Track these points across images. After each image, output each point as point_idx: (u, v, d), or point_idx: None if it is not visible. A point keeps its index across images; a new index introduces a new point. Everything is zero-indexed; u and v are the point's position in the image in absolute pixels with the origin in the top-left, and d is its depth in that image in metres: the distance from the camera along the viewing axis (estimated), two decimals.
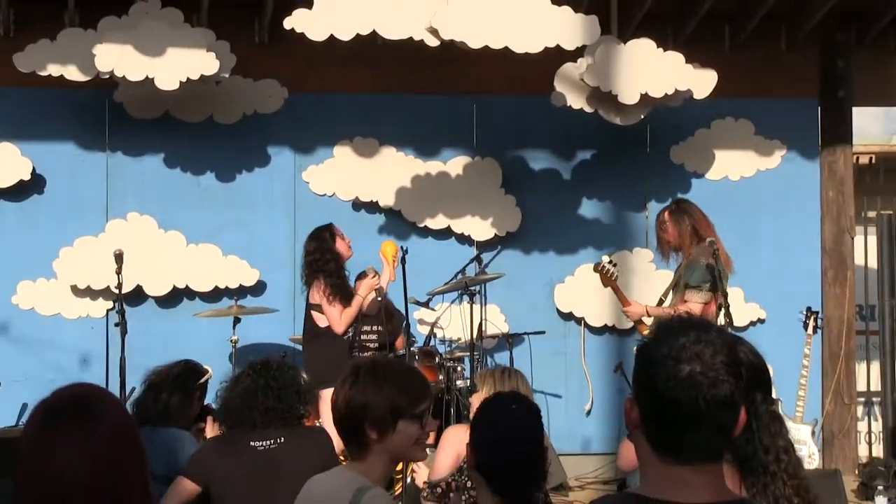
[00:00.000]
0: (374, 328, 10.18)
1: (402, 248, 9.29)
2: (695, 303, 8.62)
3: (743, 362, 2.65)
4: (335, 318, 9.10)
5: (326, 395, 7.02)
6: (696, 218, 8.90)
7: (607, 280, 9.12)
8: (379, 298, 9.22)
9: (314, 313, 9.20)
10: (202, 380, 6.86)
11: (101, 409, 2.70)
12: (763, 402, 3.64)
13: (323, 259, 9.18)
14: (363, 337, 10.15)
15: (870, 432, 12.53)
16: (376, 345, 10.15)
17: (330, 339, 9.10)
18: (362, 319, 10.19)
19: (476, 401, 6.15)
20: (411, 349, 9.38)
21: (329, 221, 9.67)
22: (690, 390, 2.54)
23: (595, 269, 9.18)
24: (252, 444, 5.58)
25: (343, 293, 9.14)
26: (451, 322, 10.47)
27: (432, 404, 4.14)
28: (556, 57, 9.62)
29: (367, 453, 3.93)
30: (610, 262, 9.18)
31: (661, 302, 8.98)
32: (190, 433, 6.60)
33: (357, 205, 10.88)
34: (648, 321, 8.99)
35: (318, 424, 8.47)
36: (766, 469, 3.54)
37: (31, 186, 10.45)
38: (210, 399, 6.73)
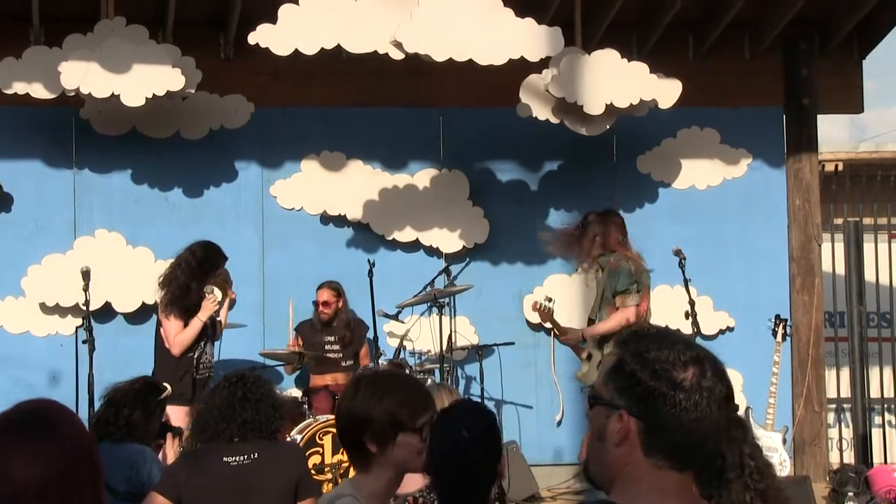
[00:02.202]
0: (337, 339, 10.21)
1: (369, 261, 9.31)
2: (628, 307, 8.73)
3: None
4: (171, 337, 8.90)
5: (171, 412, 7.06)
6: (608, 230, 8.97)
7: (545, 316, 9.26)
8: (220, 319, 9.11)
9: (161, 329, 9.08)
10: (162, 396, 6.87)
11: (57, 425, 2.70)
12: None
13: (196, 270, 8.94)
14: (326, 348, 10.19)
15: (840, 439, 12.59)
16: (340, 355, 10.18)
17: (172, 357, 8.95)
18: (324, 330, 10.22)
19: None
20: (380, 362, 9.40)
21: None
22: (700, 392, 2.57)
23: (533, 309, 9.33)
24: (225, 459, 5.57)
25: (184, 306, 8.90)
26: (421, 334, 10.49)
27: (434, 416, 4.14)
28: (521, 68, 9.67)
29: (370, 465, 3.95)
30: (546, 298, 9.32)
31: (591, 321, 9.03)
32: (151, 449, 6.60)
33: (325, 218, 10.89)
34: (583, 345, 9.09)
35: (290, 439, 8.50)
36: (721, 476, 3.53)
37: None
38: None
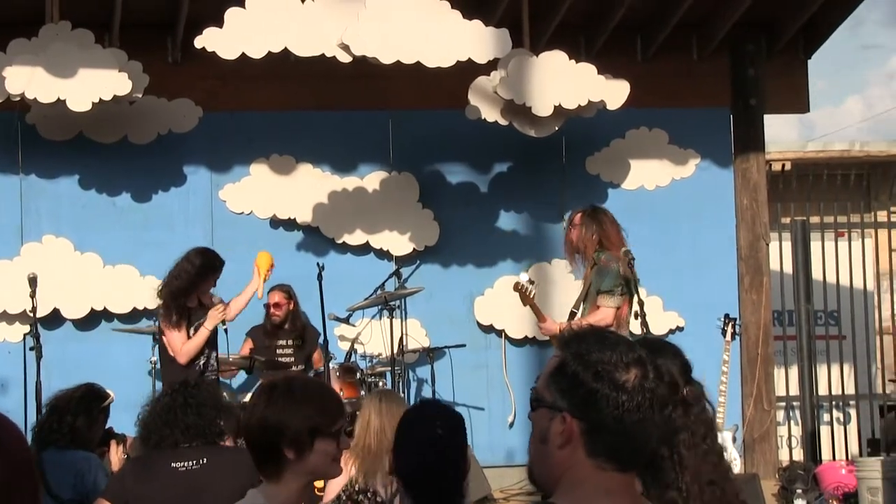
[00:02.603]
0: (289, 342, 10.19)
1: (319, 264, 9.28)
2: (607, 307, 8.70)
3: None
4: (177, 347, 8.88)
5: None
6: (605, 228, 8.94)
7: (526, 298, 9.13)
8: (225, 328, 9.08)
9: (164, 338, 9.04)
10: (105, 403, 6.85)
11: (1, 436, 2.68)
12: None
13: (194, 278, 8.90)
14: (279, 352, 10.16)
15: (789, 436, 12.67)
16: (292, 359, 10.15)
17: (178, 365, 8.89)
18: (276, 334, 10.18)
19: (358, 428, 6.15)
20: (331, 365, 9.39)
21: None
22: (641, 394, 2.57)
23: (515, 289, 9.16)
24: (173, 465, 5.54)
25: (179, 313, 8.86)
26: (372, 337, 10.50)
27: (347, 422, 4.15)
28: (469, 70, 9.69)
29: (282, 473, 3.91)
30: (529, 280, 9.21)
31: (573, 314, 9.02)
32: (96, 456, 6.58)
33: (275, 222, 10.87)
34: None
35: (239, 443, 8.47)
36: (661, 476, 3.54)
37: None
38: (130, 422, 6.73)
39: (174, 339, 8.88)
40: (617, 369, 2.59)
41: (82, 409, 6.70)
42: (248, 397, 9.91)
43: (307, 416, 3.90)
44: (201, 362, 8.97)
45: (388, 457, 5.75)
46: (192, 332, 8.87)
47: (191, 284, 8.90)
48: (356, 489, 5.83)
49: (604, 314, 8.66)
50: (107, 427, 7.00)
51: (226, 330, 9.15)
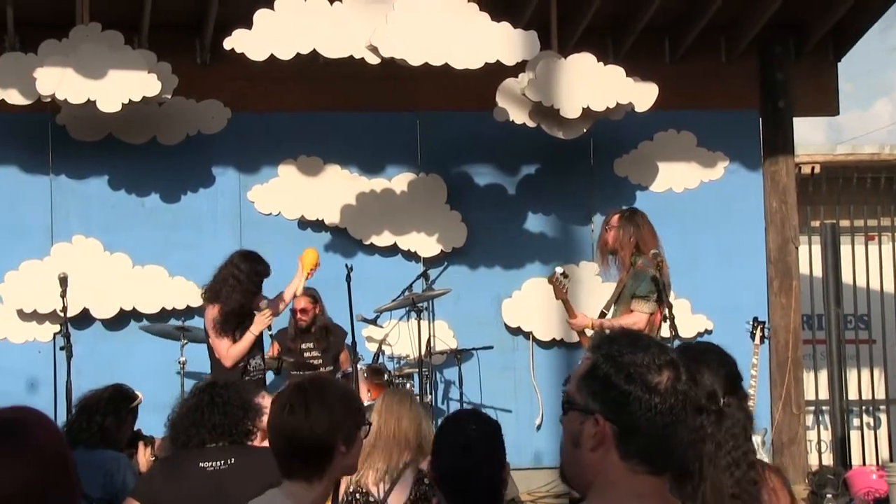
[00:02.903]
0: (314, 345, 10.20)
1: (347, 265, 9.29)
2: (641, 312, 8.67)
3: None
4: (223, 352, 8.97)
5: None
6: (642, 231, 8.92)
7: (559, 291, 9.07)
8: (270, 333, 9.12)
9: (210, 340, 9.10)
10: (133, 404, 6.88)
11: (31, 432, 2.69)
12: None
13: (245, 283, 8.94)
14: (306, 354, 10.17)
15: (819, 441, 12.61)
16: (320, 361, 10.16)
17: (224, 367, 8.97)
18: (301, 336, 10.20)
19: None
20: (359, 366, 9.39)
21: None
22: (674, 396, 2.57)
23: (549, 281, 9.11)
24: (201, 465, 5.56)
25: (237, 325, 8.95)
26: (400, 339, 10.49)
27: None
28: (497, 72, 9.68)
29: (322, 474, 3.94)
30: (563, 273, 9.15)
31: (603, 314, 9.00)
32: (125, 456, 6.61)
33: (303, 223, 10.88)
34: (590, 333, 8.99)
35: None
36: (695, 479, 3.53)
37: None
38: (158, 423, 6.75)
39: (220, 344, 8.96)
40: (649, 371, 2.59)
41: (111, 409, 6.73)
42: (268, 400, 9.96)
43: (355, 411, 4.02)
44: (241, 364, 9.02)
45: (380, 455, 5.84)
46: (237, 335, 8.94)
47: (242, 294, 8.94)
48: (349, 490, 5.87)
49: (637, 318, 8.64)
50: (135, 429, 7.03)
51: (271, 335, 9.21)
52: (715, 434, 3.52)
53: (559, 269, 9.16)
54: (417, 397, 9.50)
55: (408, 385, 9.88)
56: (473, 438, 4.52)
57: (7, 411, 2.75)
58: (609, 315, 8.91)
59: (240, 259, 9.03)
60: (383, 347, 10.39)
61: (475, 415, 4.93)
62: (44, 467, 2.64)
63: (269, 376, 10.36)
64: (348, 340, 10.00)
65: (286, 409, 3.96)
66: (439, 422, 10.44)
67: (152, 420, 7.52)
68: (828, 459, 12.17)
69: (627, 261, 8.86)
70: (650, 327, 8.60)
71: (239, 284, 8.92)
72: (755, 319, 10.37)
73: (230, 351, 8.95)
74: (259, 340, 9.13)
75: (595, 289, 10.75)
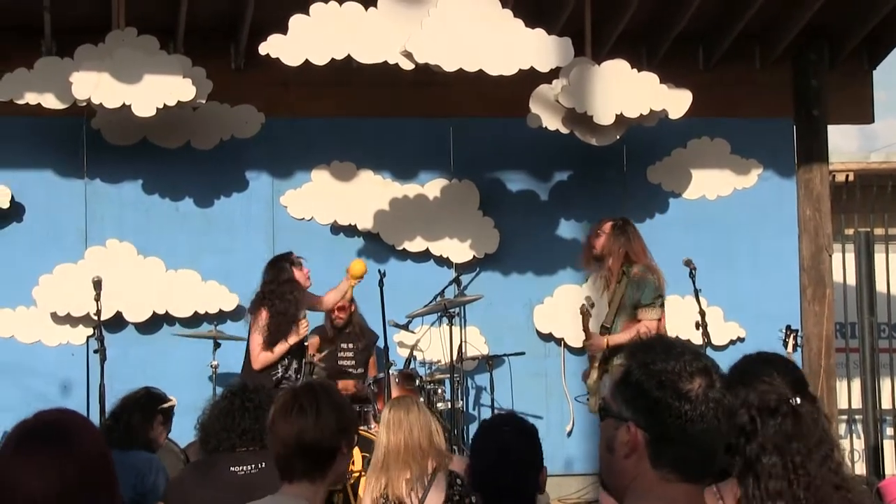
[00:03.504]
0: (350, 346, 10.23)
1: (380, 271, 9.32)
2: (650, 320, 8.78)
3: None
4: (255, 353, 9.12)
5: None
6: (633, 243, 9.06)
7: (585, 320, 9.16)
8: (306, 344, 9.24)
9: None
10: (165, 405, 6.89)
11: (74, 435, 2.72)
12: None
13: (278, 291, 9.18)
14: (340, 355, 10.21)
15: (852, 450, 12.56)
16: (353, 362, 10.20)
17: (263, 375, 9.09)
18: (338, 335, 10.24)
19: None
20: (390, 371, 9.41)
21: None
22: (706, 404, 2.58)
23: (580, 311, 9.17)
24: (232, 469, 5.59)
25: (279, 333, 9.13)
26: (431, 344, 10.50)
27: None
28: (530, 79, 9.68)
29: (324, 476, 3.96)
30: (591, 304, 9.20)
31: (605, 328, 9.05)
32: (158, 458, 6.62)
33: (335, 228, 10.90)
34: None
35: None
36: (768, 482, 3.50)
37: (9, 214, 10.46)
38: (190, 426, 6.79)
39: (255, 342, 9.14)
40: (681, 379, 2.59)
41: (138, 408, 6.76)
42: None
43: (355, 416, 4.18)
44: (279, 373, 9.09)
45: (404, 466, 5.87)
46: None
47: (292, 293, 9.18)
48: (382, 500, 5.89)
49: (648, 327, 8.73)
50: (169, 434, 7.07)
51: (307, 346, 9.26)
52: (800, 431, 3.49)
53: (587, 300, 9.19)
54: (423, 401, 9.56)
55: (439, 391, 9.87)
56: (510, 441, 4.56)
57: (49, 414, 2.79)
58: (612, 329, 8.96)
59: (265, 271, 9.30)
60: (415, 353, 10.40)
61: (512, 418, 4.95)
62: (86, 468, 2.67)
63: None
64: (380, 343, 10.03)
65: (295, 410, 3.97)
66: (471, 427, 10.52)
67: (184, 423, 7.55)
68: (861, 469, 12.11)
69: (617, 271, 8.97)
70: (658, 332, 8.65)
71: (272, 294, 9.11)
72: (788, 327, 10.34)
73: (262, 355, 9.04)
74: (297, 350, 9.22)
75: None
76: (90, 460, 2.70)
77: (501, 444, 4.59)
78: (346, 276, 9.54)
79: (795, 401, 3.52)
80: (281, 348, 9.13)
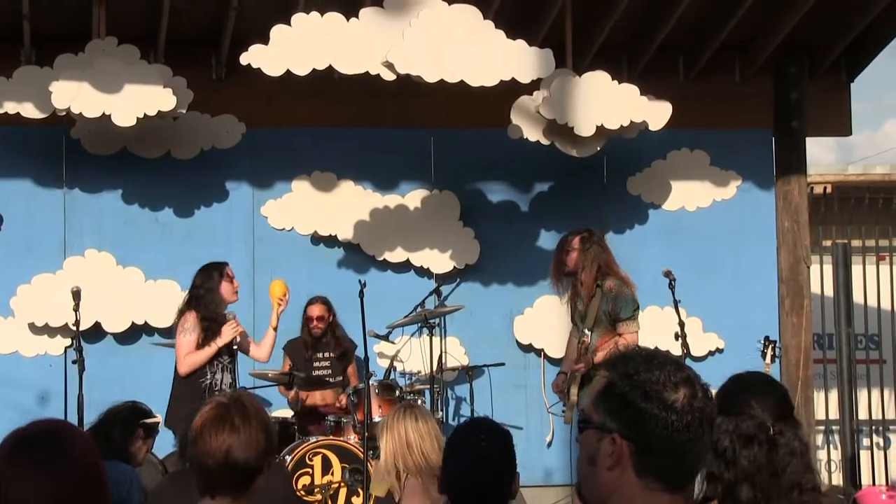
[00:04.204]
0: (327, 355, 10.21)
1: (360, 281, 9.30)
2: (631, 332, 8.92)
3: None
4: (180, 354, 9.07)
5: None
6: (605, 253, 9.20)
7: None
8: (235, 347, 9.19)
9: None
10: (147, 420, 6.87)
11: (67, 443, 2.74)
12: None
13: (206, 297, 9.15)
14: (316, 365, 10.19)
15: (829, 460, 12.59)
16: (330, 371, 10.18)
17: (192, 384, 9.07)
18: (316, 345, 10.22)
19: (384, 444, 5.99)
20: (371, 382, 9.39)
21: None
22: (690, 414, 2.58)
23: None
24: None
25: (208, 336, 9.10)
26: (411, 355, 10.48)
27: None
28: (512, 90, 9.70)
29: (246, 494, 3.95)
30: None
31: (582, 343, 9.11)
32: (135, 471, 6.60)
33: (316, 239, 10.89)
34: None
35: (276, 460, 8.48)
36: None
37: None
38: (169, 437, 6.80)
39: (182, 343, 9.08)
40: (665, 389, 2.59)
41: (120, 420, 6.74)
42: (280, 413, 9.97)
43: (275, 435, 4.08)
44: (207, 382, 9.02)
45: (427, 490, 5.80)
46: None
47: (214, 303, 9.13)
48: None
49: (631, 340, 8.81)
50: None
51: (235, 349, 9.20)
52: (771, 463, 3.51)
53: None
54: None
55: (419, 401, 9.86)
56: (484, 446, 4.54)
57: (42, 423, 2.80)
58: (593, 339, 9.03)
59: (196, 275, 9.29)
60: (395, 363, 10.38)
61: (486, 424, 4.92)
62: (79, 476, 2.68)
63: (273, 392, 10.38)
64: (360, 353, 10.02)
65: (227, 425, 3.91)
66: None
67: (163, 435, 7.55)
68: (838, 479, 12.15)
69: (591, 283, 9.06)
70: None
71: (211, 296, 9.14)
72: (766, 338, 10.37)
73: (188, 356, 9.00)
74: (230, 364, 9.17)
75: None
76: (82, 468, 2.71)
77: (476, 448, 4.56)
78: (271, 301, 9.53)
79: (774, 429, 3.54)
80: (208, 351, 9.04)
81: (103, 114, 9.40)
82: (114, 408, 6.86)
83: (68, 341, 10.19)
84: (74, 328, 9.05)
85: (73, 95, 9.36)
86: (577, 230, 9.50)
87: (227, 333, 9.09)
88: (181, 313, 9.24)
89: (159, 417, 7.02)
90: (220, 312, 9.20)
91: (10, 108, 9.58)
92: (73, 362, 8.83)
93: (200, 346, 9.07)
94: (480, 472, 4.50)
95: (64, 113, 9.48)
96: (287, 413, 10.02)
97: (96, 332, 10.39)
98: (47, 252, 10.47)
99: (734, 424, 3.53)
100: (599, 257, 9.22)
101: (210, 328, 9.10)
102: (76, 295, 9.03)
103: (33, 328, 10.38)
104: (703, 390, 2.64)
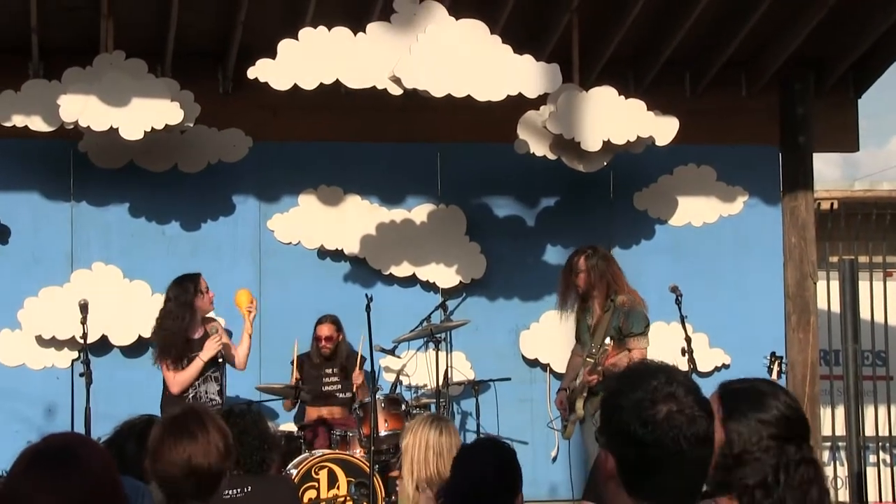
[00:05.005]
0: (335, 370, 10.21)
1: (367, 295, 9.30)
2: (641, 348, 8.96)
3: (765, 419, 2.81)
4: (169, 381, 9.14)
5: None
6: (612, 268, 9.25)
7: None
8: (220, 360, 9.20)
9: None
10: None
11: (83, 456, 2.74)
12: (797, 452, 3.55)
13: (174, 311, 9.17)
14: (326, 381, 10.19)
15: (835, 477, 12.58)
16: (339, 386, 10.18)
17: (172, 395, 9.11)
18: (325, 363, 10.22)
19: (405, 449, 5.97)
20: (377, 396, 9.39)
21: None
22: (671, 430, 2.57)
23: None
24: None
25: (178, 354, 9.13)
26: (417, 369, 10.49)
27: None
28: (518, 105, 9.71)
29: (210, 498, 4.04)
30: None
31: (592, 356, 9.13)
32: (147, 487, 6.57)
33: (322, 253, 10.89)
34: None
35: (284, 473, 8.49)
36: None
37: None
38: None
39: (167, 376, 9.18)
40: (643, 405, 2.60)
41: (134, 434, 6.70)
42: (285, 427, 9.97)
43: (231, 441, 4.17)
44: (190, 395, 9.05)
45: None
46: (185, 363, 9.12)
47: (174, 319, 9.17)
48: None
49: (641, 356, 8.85)
50: None
51: (221, 361, 9.21)
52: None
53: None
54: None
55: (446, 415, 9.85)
56: (489, 465, 4.56)
57: (59, 437, 2.82)
58: (598, 355, 9.06)
59: (170, 287, 9.33)
60: (401, 378, 10.38)
61: (491, 442, 4.95)
62: (96, 490, 2.68)
63: (277, 405, 10.39)
64: (367, 367, 10.02)
65: (184, 435, 3.99)
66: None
67: None
68: (844, 496, 12.13)
69: (603, 299, 9.11)
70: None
71: (168, 313, 9.20)
72: (773, 354, 10.36)
73: (177, 377, 9.05)
74: (217, 373, 9.19)
75: None
76: (99, 481, 2.72)
77: (481, 467, 4.60)
78: (244, 320, 9.54)
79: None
80: (195, 367, 9.10)
81: (111, 127, 9.43)
82: (129, 421, 6.81)
83: (75, 354, 10.21)
84: (82, 341, 9.09)
85: (81, 109, 9.38)
86: (580, 249, 9.52)
87: (210, 348, 9.13)
88: (155, 355, 9.32)
89: None
90: (189, 328, 9.19)
91: (19, 121, 9.61)
92: (81, 375, 8.84)
93: (172, 363, 9.10)
94: (485, 491, 4.51)
95: (71, 126, 9.50)
96: (293, 427, 10.02)
97: (103, 345, 10.40)
98: (54, 265, 10.49)
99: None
100: (606, 273, 9.26)
101: (169, 342, 9.13)
102: (83, 308, 9.06)
103: (40, 341, 10.39)
104: (695, 406, 2.63)
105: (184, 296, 9.21)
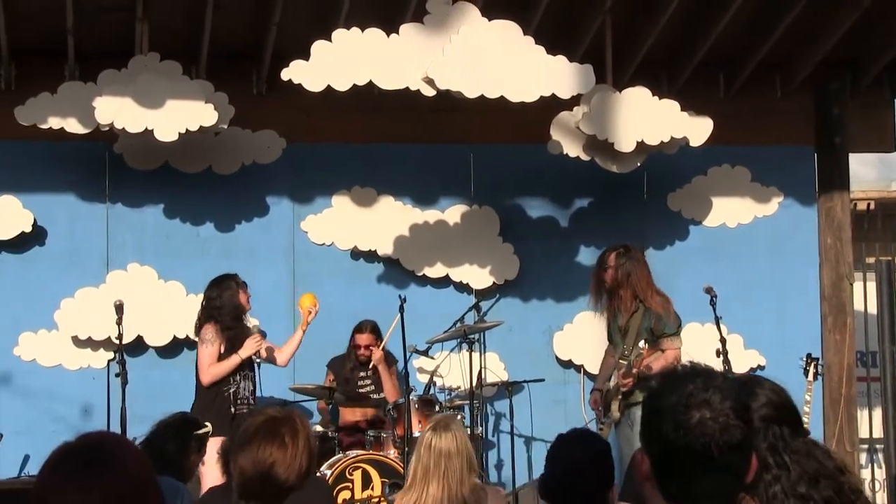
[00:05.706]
0: (369, 373, 10.23)
1: (400, 296, 9.32)
2: (674, 349, 8.94)
3: (753, 407, 2.74)
4: (202, 365, 9.21)
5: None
6: (642, 268, 9.27)
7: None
8: (258, 361, 9.26)
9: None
10: (200, 431, 6.86)
11: (118, 456, 2.72)
12: (793, 436, 3.55)
13: (226, 307, 9.31)
14: (360, 384, 10.20)
15: (873, 479, 12.52)
16: (372, 387, 10.19)
17: (215, 393, 9.20)
18: (360, 368, 10.24)
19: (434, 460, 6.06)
20: (411, 397, 9.40)
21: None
22: (702, 437, 2.56)
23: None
24: None
25: (231, 345, 9.24)
26: (451, 370, 10.49)
27: None
28: (552, 105, 9.70)
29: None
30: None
31: (624, 356, 9.12)
32: (185, 487, 6.58)
33: (355, 254, 10.91)
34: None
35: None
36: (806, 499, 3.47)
37: (32, 238, 10.49)
38: (211, 451, 6.80)
39: (204, 353, 9.25)
40: (678, 409, 2.59)
41: (172, 434, 6.71)
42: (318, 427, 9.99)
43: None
44: (231, 390, 9.11)
45: (460, 489, 5.85)
46: (225, 346, 9.27)
47: (235, 311, 9.31)
48: None
49: (675, 356, 8.85)
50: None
51: (258, 364, 9.27)
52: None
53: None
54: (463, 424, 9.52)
55: (458, 417, 9.85)
56: (580, 458, 4.70)
57: (92, 437, 2.80)
58: (632, 358, 9.04)
59: (209, 287, 9.52)
60: (434, 379, 10.39)
61: (584, 434, 5.17)
62: (131, 490, 2.67)
63: (312, 405, 10.42)
64: (399, 367, 10.04)
65: (276, 439, 3.98)
66: (489, 454, 10.52)
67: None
68: (881, 499, 12.07)
69: (630, 300, 9.09)
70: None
71: (230, 305, 9.35)
72: (809, 356, 10.32)
73: (211, 367, 9.12)
74: (251, 373, 9.24)
75: None
76: (133, 481, 2.70)
77: (572, 460, 4.74)
78: (300, 313, 9.61)
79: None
80: (232, 361, 9.19)
81: (146, 129, 9.48)
82: (164, 421, 6.83)
83: (111, 354, 10.26)
84: (117, 341, 9.14)
85: (116, 111, 9.44)
86: (613, 246, 9.51)
87: (250, 347, 9.19)
88: (200, 324, 9.35)
89: (210, 427, 7.00)
90: (241, 322, 9.30)
91: (55, 123, 9.67)
92: (116, 375, 8.89)
93: (222, 356, 9.18)
94: (576, 482, 4.69)
95: (107, 128, 9.55)
96: (328, 427, 10.04)
97: (138, 346, 10.45)
98: (90, 266, 10.55)
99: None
100: (633, 274, 9.22)
101: (233, 338, 9.20)
102: (119, 308, 9.12)
103: (77, 341, 10.45)
104: (731, 413, 2.61)
105: (227, 293, 9.30)
